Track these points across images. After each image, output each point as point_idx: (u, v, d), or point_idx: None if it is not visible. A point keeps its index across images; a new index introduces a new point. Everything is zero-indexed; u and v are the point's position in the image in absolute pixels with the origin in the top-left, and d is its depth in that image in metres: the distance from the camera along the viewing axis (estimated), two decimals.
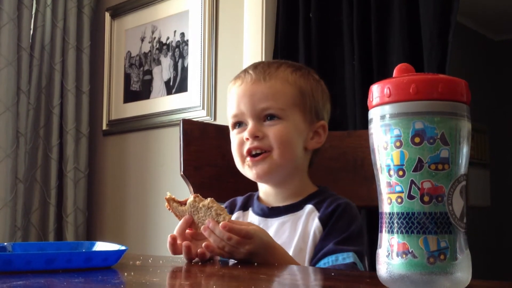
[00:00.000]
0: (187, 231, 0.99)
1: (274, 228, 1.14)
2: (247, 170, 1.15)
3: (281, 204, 1.16)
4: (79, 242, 1.04)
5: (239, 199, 1.23)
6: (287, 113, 1.12)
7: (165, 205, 1.00)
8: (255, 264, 0.91)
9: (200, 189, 1.37)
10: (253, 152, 1.12)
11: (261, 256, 0.94)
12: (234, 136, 1.16)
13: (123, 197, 2.77)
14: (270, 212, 1.16)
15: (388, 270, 0.60)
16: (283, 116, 1.12)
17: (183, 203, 0.98)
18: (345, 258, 1.02)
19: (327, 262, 1.03)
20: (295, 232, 1.11)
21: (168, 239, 0.98)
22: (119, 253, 0.83)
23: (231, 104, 1.16)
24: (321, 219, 1.09)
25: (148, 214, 2.62)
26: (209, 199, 0.95)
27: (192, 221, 0.97)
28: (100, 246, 0.93)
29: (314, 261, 1.06)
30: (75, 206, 2.75)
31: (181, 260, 0.96)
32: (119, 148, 2.82)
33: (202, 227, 0.94)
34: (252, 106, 1.12)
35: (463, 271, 0.59)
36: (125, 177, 2.77)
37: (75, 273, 0.75)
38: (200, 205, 0.95)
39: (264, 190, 1.20)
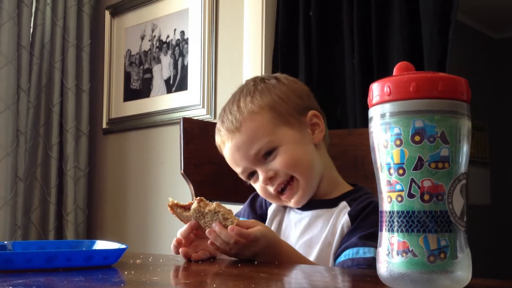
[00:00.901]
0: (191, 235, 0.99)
1: (306, 220, 1.14)
2: (286, 203, 1.17)
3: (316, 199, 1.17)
4: (79, 240, 1.04)
5: (261, 199, 1.25)
6: (276, 139, 1.12)
7: (168, 210, 0.99)
8: (255, 262, 0.91)
9: (201, 187, 1.37)
10: (280, 189, 1.14)
11: (266, 256, 0.94)
12: (255, 185, 1.18)
13: (123, 195, 2.77)
14: (306, 204, 1.16)
15: (388, 269, 0.60)
16: (276, 144, 1.12)
17: (187, 208, 0.96)
18: (366, 252, 1.01)
19: (347, 254, 1.03)
20: (326, 227, 1.12)
21: (173, 242, 0.98)
22: (119, 251, 0.83)
23: (232, 165, 1.18)
24: (350, 215, 1.10)
25: (148, 213, 2.62)
26: (214, 203, 0.93)
27: (198, 225, 0.96)
28: (100, 244, 0.93)
29: (337, 253, 1.06)
30: (75, 205, 2.75)
31: (181, 259, 0.96)
32: (119, 146, 2.82)
33: (207, 231, 0.93)
34: (246, 157, 1.13)
35: (463, 269, 0.59)
36: (125, 176, 2.77)
37: (75, 271, 0.75)
38: (206, 210, 0.93)
39: None
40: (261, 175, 1.13)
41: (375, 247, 1.03)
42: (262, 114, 1.13)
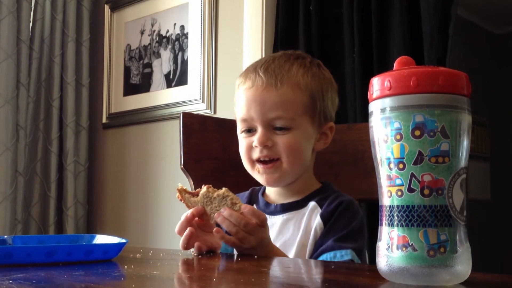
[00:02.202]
0: (196, 219, 0.98)
1: (278, 225, 1.14)
2: (257, 175, 1.15)
3: (285, 201, 1.17)
4: (79, 235, 1.04)
5: (242, 195, 1.24)
6: (297, 122, 1.12)
7: (176, 195, 0.99)
8: (255, 257, 0.91)
9: (201, 182, 1.36)
10: (262, 159, 1.12)
11: (265, 249, 0.95)
12: (242, 139, 1.15)
13: (123, 190, 2.77)
14: (275, 210, 1.16)
15: (388, 263, 0.60)
16: (293, 125, 1.11)
17: (195, 194, 0.97)
18: (343, 255, 1.03)
19: (325, 259, 1.04)
20: (298, 229, 1.12)
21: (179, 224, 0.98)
22: (119, 246, 0.83)
23: (240, 106, 1.14)
24: (322, 216, 1.10)
25: (148, 207, 2.62)
26: (223, 188, 0.95)
27: (203, 212, 0.96)
28: (101, 239, 0.93)
29: (313, 257, 1.06)
30: (75, 199, 2.75)
31: (181, 253, 0.96)
32: (119, 141, 2.82)
33: (215, 214, 0.93)
34: (263, 114, 1.11)
35: (463, 264, 0.59)
36: (125, 170, 2.77)
37: (75, 266, 0.75)
38: (215, 195, 0.94)
39: (269, 188, 1.21)
40: (260, 136, 1.11)
41: (351, 248, 1.05)
42: (303, 93, 1.13)
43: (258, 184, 1.22)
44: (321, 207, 1.12)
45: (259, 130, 1.11)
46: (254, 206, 1.20)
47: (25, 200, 2.66)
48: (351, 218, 1.09)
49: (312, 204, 1.13)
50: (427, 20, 1.77)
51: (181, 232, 0.97)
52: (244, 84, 1.14)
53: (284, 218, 1.14)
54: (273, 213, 1.16)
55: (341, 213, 1.09)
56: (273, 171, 1.12)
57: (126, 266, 0.76)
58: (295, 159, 1.12)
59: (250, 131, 1.14)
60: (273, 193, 1.20)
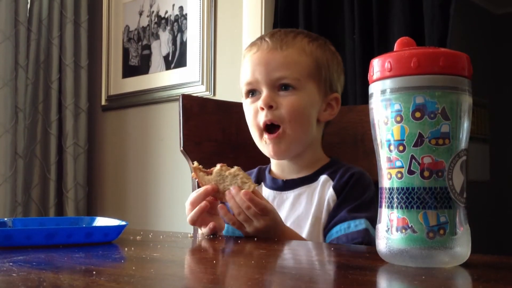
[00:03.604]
0: (209, 198, 0.98)
1: (290, 200, 1.14)
2: (264, 146, 1.15)
3: (295, 177, 1.17)
4: (79, 217, 1.04)
5: (250, 173, 1.23)
6: (302, 84, 1.11)
7: (191, 174, 1.00)
8: (255, 239, 0.91)
9: (200, 164, 1.36)
10: (268, 124, 1.11)
11: (271, 234, 0.95)
12: (248, 106, 1.15)
13: (123, 172, 2.77)
14: (285, 185, 1.16)
15: (388, 245, 0.60)
16: (298, 86, 1.11)
17: (210, 173, 0.97)
18: (357, 225, 1.03)
19: (339, 230, 1.04)
20: (311, 203, 1.12)
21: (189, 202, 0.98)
22: (119, 228, 0.83)
23: (245, 71, 1.14)
24: (335, 188, 1.10)
25: (148, 189, 2.63)
26: (235, 167, 0.96)
27: (216, 191, 0.96)
28: (101, 221, 0.93)
29: (328, 229, 1.07)
30: (75, 182, 2.75)
31: (181, 235, 0.97)
32: (119, 123, 2.81)
33: (226, 193, 0.94)
34: (267, 74, 1.11)
35: (463, 245, 0.59)
36: (124, 152, 2.77)
37: (76, 248, 0.75)
38: (227, 173, 0.95)
39: (277, 163, 1.20)
40: (265, 97, 1.10)
41: (365, 217, 1.05)
42: (308, 58, 1.13)
43: (256, 165, 1.21)
44: (333, 180, 1.12)
45: (264, 91, 1.11)
46: (262, 184, 1.20)
47: (25, 183, 2.66)
48: (363, 189, 1.10)
49: (323, 177, 1.13)
50: (428, 0, 1.75)
51: (195, 203, 0.97)
52: (250, 51, 1.15)
53: (296, 193, 1.14)
54: (284, 189, 1.15)
55: (353, 185, 1.09)
56: (279, 142, 1.11)
57: (126, 249, 0.76)
58: (299, 123, 1.11)
59: (254, 94, 1.14)
60: (281, 168, 1.19)
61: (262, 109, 1.11)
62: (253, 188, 0.93)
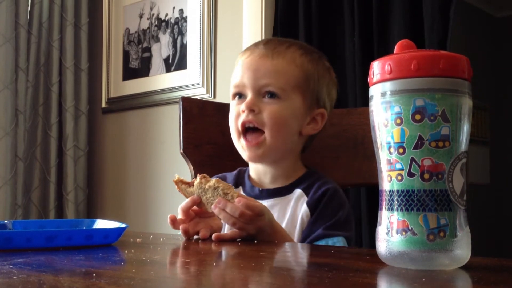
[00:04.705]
0: (194, 207, 0.98)
1: None
2: (241, 149, 1.15)
3: (271, 186, 1.17)
4: (79, 219, 1.04)
5: (229, 175, 1.23)
6: (287, 94, 1.12)
7: (175, 188, 0.99)
8: (255, 241, 0.91)
9: (200, 167, 1.37)
10: (247, 125, 1.12)
11: (266, 234, 0.95)
12: (233, 107, 1.16)
13: (123, 175, 2.77)
14: (261, 194, 1.16)
15: (388, 247, 0.60)
16: (283, 96, 1.12)
17: (191, 184, 0.97)
18: (335, 242, 1.04)
19: None
20: (284, 216, 1.12)
21: (168, 220, 0.98)
22: (119, 230, 0.83)
23: (236, 74, 1.16)
24: (308, 204, 1.11)
25: (148, 192, 2.63)
26: (214, 179, 0.95)
27: (200, 201, 0.96)
28: (101, 223, 0.93)
29: None
30: (75, 184, 2.75)
31: (181, 237, 0.96)
32: (119, 126, 2.81)
33: (212, 206, 0.93)
34: (254, 80, 1.12)
35: (463, 248, 0.59)
36: (125, 155, 2.77)
37: (76, 250, 0.75)
38: (207, 186, 0.94)
39: (255, 168, 1.20)
40: (248, 101, 1.11)
41: (341, 235, 1.05)
42: (297, 69, 1.14)
43: (247, 164, 1.22)
44: (307, 195, 1.12)
45: (249, 96, 1.12)
46: (240, 188, 1.20)
47: (25, 185, 2.66)
48: (338, 206, 1.10)
49: (298, 191, 1.13)
50: (428, 3, 1.76)
51: (185, 210, 0.97)
52: (243, 55, 1.17)
53: (269, 204, 1.12)
54: (259, 197, 1.15)
55: (327, 202, 1.10)
56: (257, 148, 1.12)
57: (126, 251, 0.76)
58: (279, 131, 1.11)
59: (240, 97, 1.15)
60: (258, 174, 1.20)
61: (244, 111, 1.12)
62: (236, 196, 0.93)
